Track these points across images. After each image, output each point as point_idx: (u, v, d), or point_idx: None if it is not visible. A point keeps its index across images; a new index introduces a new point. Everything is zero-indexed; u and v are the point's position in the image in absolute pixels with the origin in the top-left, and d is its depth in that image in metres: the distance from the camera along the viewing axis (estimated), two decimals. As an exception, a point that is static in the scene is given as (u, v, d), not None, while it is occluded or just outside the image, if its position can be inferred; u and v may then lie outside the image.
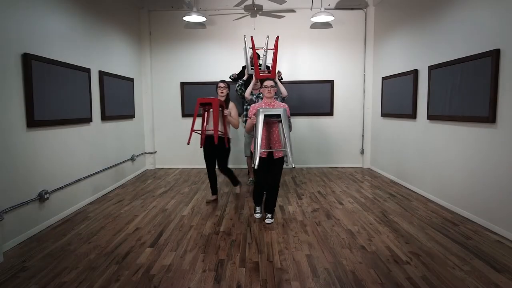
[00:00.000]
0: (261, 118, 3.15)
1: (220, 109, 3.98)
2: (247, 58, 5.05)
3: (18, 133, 3.07)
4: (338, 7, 6.26)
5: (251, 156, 5.02)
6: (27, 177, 3.17)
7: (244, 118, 4.98)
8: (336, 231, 3.27)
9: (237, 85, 5.01)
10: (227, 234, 3.22)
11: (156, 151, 6.62)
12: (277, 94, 4.59)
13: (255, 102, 4.48)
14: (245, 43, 5.13)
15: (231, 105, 4.21)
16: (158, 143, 6.62)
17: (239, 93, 4.99)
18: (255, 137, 3.18)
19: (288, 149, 3.22)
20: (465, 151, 3.64)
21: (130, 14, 5.90)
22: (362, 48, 6.40)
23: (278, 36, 4.68)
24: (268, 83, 3.47)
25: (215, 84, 4.30)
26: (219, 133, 3.93)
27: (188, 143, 4.03)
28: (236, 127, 4.24)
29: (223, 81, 4.25)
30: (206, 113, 4.08)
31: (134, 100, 5.90)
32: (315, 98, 6.42)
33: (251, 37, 4.76)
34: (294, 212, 3.85)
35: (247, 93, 4.63)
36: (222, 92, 4.17)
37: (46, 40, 3.48)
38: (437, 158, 4.17)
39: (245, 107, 5.02)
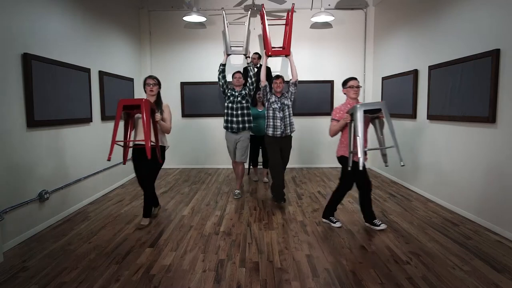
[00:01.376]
0: (360, 115, 2.88)
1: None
2: (226, 36, 4.65)
3: (18, 133, 3.07)
4: (338, 7, 6.27)
5: (234, 160, 4.48)
6: (27, 177, 3.18)
7: (225, 118, 4.40)
8: (336, 231, 3.27)
9: (218, 72, 4.42)
10: (227, 234, 3.22)
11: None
12: (284, 89, 4.15)
13: (267, 92, 4.00)
14: (223, 18, 4.76)
15: (164, 105, 3.48)
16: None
17: (221, 82, 4.36)
18: (355, 135, 2.92)
19: (396, 146, 2.97)
20: (465, 151, 3.64)
21: (130, 14, 5.90)
22: (362, 48, 6.40)
23: (293, 4, 4.27)
24: (355, 82, 3.21)
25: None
26: (151, 143, 3.10)
27: (108, 159, 3.10)
28: (168, 132, 3.48)
29: (152, 77, 3.45)
30: (131, 119, 3.30)
31: (134, 100, 5.89)
32: (315, 98, 6.42)
33: (262, 5, 4.48)
34: (294, 212, 3.85)
35: (262, 76, 3.99)
36: (151, 90, 3.40)
37: (46, 40, 3.48)
38: (437, 158, 4.17)
39: (225, 104, 4.39)
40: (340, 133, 3.30)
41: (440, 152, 4.10)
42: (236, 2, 6.17)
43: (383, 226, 3.28)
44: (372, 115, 3.09)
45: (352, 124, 3.04)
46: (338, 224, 3.37)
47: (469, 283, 2.29)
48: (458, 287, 2.25)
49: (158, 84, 3.46)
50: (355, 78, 3.27)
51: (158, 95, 3.49)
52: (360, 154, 2.88)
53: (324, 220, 3.50)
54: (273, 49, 4.20)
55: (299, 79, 6.36)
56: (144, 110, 3.02)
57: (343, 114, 3.19)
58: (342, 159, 3.28)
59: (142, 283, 2.33)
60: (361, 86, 3.24)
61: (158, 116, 3.25)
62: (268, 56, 4.23)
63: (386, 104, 3.00)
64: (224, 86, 4.41)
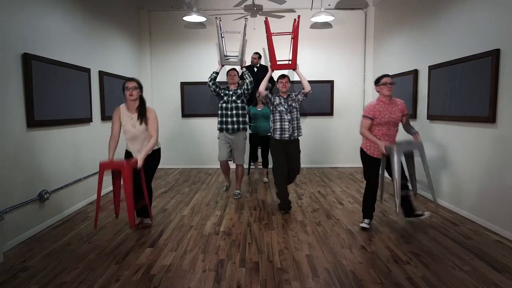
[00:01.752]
0: (397, 159, 2.90)
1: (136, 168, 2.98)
2: (222, 45, 4.64)
3: (18, 133, 3.07)
4: (338, 7, 6.27)
5: (226, 161, 4.50)
6: (27, 177, 3.17)
7: (219, 119, 4.36)
8: (336, 231, 3.27)
9: (209, 79, 4.34)
10: (227, 234, 3.22)
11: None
12: (290, 90, 4.05)
13: (270, 99, 3.79)
14: (217, 28, 4.77)
15: (149, 110, 3.16)
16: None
17: (212, 88, 4.31)
18: (393, 178, 2.96)
19: (431, 187, 3.12)
20: (465, 151, 3.64)
21: (130, 14, 5.90)
22: (362, 48, 6.40)
23: (299, 16, 4.12)
24: (388, 79, 3.13)
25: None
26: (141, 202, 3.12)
27: (95, 227, 3.13)
28: (155, 143, 3.18)
29: (131, 80, 3.11)
30: (115, 180, 3.05)
31: (134, 100, 5.89)
32: (315, 98, 6.41)
33: (266, 18, 4.39)
34: (294, 212, 3.85)
35: (262, 88, 3.79)
36: (131, 95, 3.05)
37: (46, 40, 3.48)
38: (437, 158, 4.16)
39: (219, 105, 4.33)
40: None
41: (440, 152, 4.10)
42: (236, 2, 6.17)
43: (427, 214, 3.32)
44: (406, 153, 3.13)
45: (384, 158, 3.11)
46: (364, 225, 3.29)
47: (469, 283, 2.29)
48: (458, 287, 2.25)
49: (139, 87, 3.10)
50: (388, 75, 3.22)
51: (142, 100, 3.14)
52: (397, 198, 2.92)
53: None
54: (278, 63, 4.03)
55: (298, 79, 6.35)
56: (126, 176, 2.81)
57: (375, 112, 3.16)
58: (361, 151, 3.33)
59: (142, 283, 2.33)
60: (394, 83, 3.18)
61: (139, 162, 2.96)
62: (273, 70, 4.04)
63: (422, 145, 3.10)
64: (218, 90, 4.34)
